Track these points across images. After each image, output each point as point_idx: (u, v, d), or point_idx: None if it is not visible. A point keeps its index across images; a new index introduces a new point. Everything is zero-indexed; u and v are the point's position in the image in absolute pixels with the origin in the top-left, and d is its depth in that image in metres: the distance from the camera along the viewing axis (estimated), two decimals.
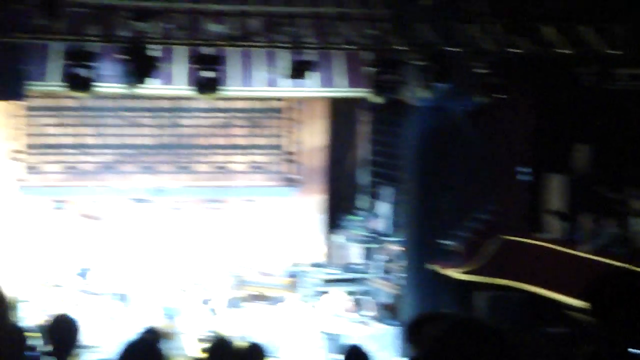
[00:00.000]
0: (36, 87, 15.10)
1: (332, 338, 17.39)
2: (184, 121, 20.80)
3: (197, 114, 20.81)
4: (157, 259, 20.15)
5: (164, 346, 3.41)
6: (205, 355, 5.54)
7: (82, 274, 18.69)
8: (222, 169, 21.07)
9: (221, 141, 21.02)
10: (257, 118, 21.14)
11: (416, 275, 17.60)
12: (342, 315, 17.61)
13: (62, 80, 13.28)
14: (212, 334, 16.67)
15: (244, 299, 18.63)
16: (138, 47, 13.07)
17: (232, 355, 5.22)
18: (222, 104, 20.67)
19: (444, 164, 16.80)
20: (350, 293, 18.71)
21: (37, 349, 5.88)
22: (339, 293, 17.76)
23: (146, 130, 20.58)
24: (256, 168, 21.26)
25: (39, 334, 5.84)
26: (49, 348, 5.47)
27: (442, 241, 16.80)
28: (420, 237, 17.62)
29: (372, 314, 18.60)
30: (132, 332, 17.00)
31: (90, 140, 20.35)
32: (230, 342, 5.78)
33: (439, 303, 16.81)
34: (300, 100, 20.87)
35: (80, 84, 13.27)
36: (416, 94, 15.37)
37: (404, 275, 18.50)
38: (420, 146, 17.12)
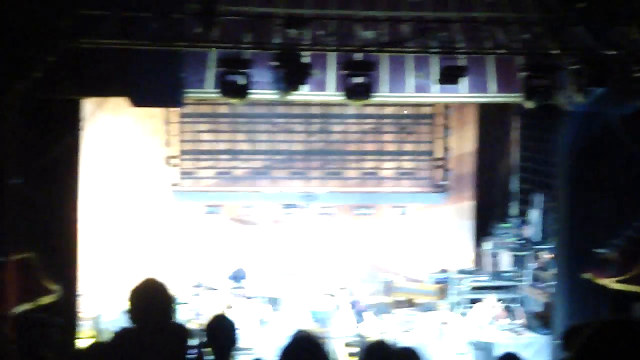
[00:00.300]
0: (193, 94, 15.50)
1: (483, 346, 17.19)
2: (334, 127, 21.00)
3: (346, 120, 20.98)
4: (306, 263, 20.40)
5: (323, 349, 3.45)
6: (359, 356, 5.57)
7: (235, 278, 19.06)
8: (371, 175, 21.15)
9: (370, 147, 21.11)
10: (407, 124, 21.14)
11: (567, 283, 17.17)
12: (493, 323, 17.37)
13: (217, 87, 13.58)
14: (360, 339, 16.75)
15: (393, 305, 18.60)
16: (291, 54, 13.24)
17: (390, 357, 5.22)
18: (371, 110, 20.79)
19: (598, 170, 16.34)
20: (500, 301, 18.43)
21: (198, 347, 6.04)
22: (491, 301, 17.51)
23: (297, 137, 20.86)
24: (405, 174, 21.24)
25: (199, 334, 5.99)
26: (209, 347, 5.60)
27: (596, 249, 16.33)
28: (572, 244, 17.18)
29: (522, 322, 18.30)
30: (283, 336, 17.30)
31: (242, 147, 20.78)
32: (388, 344, 5.79)
33: (592, 311, 16.39)
34: (450, 106, 20.77)
35: (234, 90, 13.53)
36: (570, 99, 15.00)
37: (554, 283, 18.11)
38: (574, 152, 16.70)
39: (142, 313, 4.66)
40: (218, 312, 15.41)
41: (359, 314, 17.41)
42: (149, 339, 4.73)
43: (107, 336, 16.25)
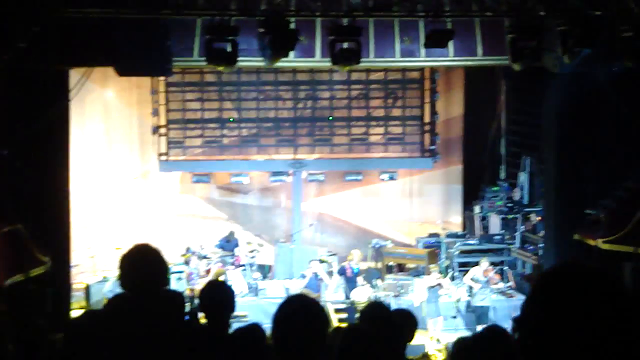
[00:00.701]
0: (180, 62, 15.44)
1: (473, 309, 17.30)
2: (322, 94, 20.96)
3: (334, 86, 20.94)
4: (297, 230, 20.45)
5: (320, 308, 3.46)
6: (358, 317, 5.60)
7: (225, 245, 19.09)
8: (360, 141, 21.15)
9: (358, 113, 21.09)
10: (394, 89, 21.12)
11: (556, 245, 17.26)
12: (486, 287, 17.46)
13: (205, 55, 13.50)
14: (351, 305, 16.82)
15: (383, 270, 18.67)
16: (278, 20, 13.16)
17: (385, 318, 5.24)
18: (358, 76, 20.75)
19: (586, 132, 16.36)
20: (492, 265, 18.51)
21: (192, 313, 6.04)
22: (485, 264, 17.58)
23: (285, 104, 20.82)
24: (393, 139, 21.26)
25: (191, 301, 6.01)
26: (204, 313, 5.60)
27: (585, 211, 16.41)
28: (561, 206, 17.26)
29: (512, 284, 18.41)
30: (274, 302, 17.36)
31: (230, 115, 20.72)
32: (385, 305, 5.81)
33: None
34: (437, 70, 20.74)
35: (222, 58, 13.46)
36: (557, 61, 15.00)
37: (543, 245, 18.22)
38: (562, 114, 16.72)
39: (133, 279, 4.62)
40: (213, 278, 15.53)
41: (351, 281, 17.45)
42: (143, 305, 4.70)
43: (99, 305, 16.32)
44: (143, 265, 4.62)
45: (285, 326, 3.32)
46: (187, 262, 18.00)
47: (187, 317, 5.91)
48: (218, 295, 5.55)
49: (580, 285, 2.15)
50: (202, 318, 5.59)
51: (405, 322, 5.79)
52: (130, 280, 4.66)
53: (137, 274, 4.61)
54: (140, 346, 4.61)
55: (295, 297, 3.78)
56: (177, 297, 5.25)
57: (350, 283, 17.44)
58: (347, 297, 17.23)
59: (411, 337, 5.77)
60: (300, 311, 3.36)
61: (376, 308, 5.51)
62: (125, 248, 4.89)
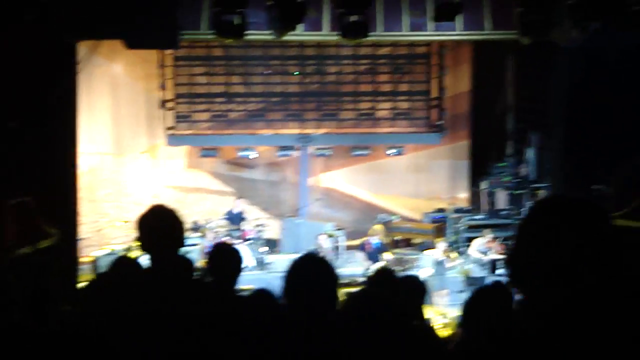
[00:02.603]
0: (189, 35, 15.40)
1: (481, 283, 17.33)
2: (329, 69, 20.92)
3: (341, 61, 20.89)
4: (303, 204, 20.48)
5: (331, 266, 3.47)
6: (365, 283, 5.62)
7: (232, 219, 19.10)
8: (367, 116, 21.13)
9: (366, 88, 21.06)
10: (402, 64, 21.07)
11: None
12: (489, 255, 17.49)
13: (213, 27, 13.48)
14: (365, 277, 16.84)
15: (390, 245, 18.69)
16: None
17: (395, 283, 5.26)
18: (366, 51, 20.70)
19: (595, 107, 16.31)
20: (496, 239, 18.53)
21: (203, 275, 6.06)
22: (489, 237, 17.60)
23: (292, 79, 20.79)
24: (401, 114, 21.23)
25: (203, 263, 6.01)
26: (211, 274, 5.61)
27: (593, 186, 16.38)
28: (569, 182, 17.23)
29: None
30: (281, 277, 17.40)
31: (237, 89, 20.71)
32: (393, 271, 5.83)
33: None
34: (445, 45, 20.68)
35: (230, 30, 13.48)
36: (566, 35, 14.93)
37: None
38: (571, 89, 16.66)
39: (151, 239, 4.61)
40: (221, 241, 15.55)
41: (372, 256, 17.38)
42: (152, 271, 4.69)
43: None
44: (160, 226, 4.61)
45: (297, 280, 3.33)
46: (203, 236, 18.00)
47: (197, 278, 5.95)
48: (225, 255, 5.57)
49: (567, 214, 2.19)
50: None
51: (414, 287, 5.80)
52: (148, 242, 4.64)
53: (154, 234, 4.59)
54: (152, 315, 4.60)
55: (307, 254, 3.79)
56: (184, 260, 5.23)
57: (371, 258, 17.40)
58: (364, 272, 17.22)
59: (421, 302, 5.78)
60: (311, 266, 3.37)
61: (383, 273, 5.53)
62: (134, 218, 4.88)
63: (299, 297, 3.31)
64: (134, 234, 4.74)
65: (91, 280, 5.80)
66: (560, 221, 2.17)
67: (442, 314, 16.16)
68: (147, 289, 4.52)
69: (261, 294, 4.88)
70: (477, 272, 17.41)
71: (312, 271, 3.35)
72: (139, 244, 4.67)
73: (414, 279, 6.09)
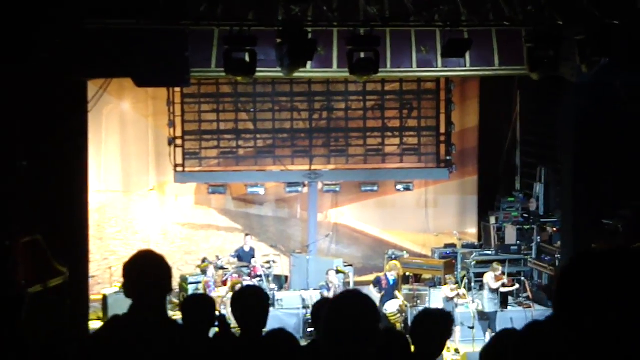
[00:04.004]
0: (199, 73, 15.48)
1: (491, 318, 17.28)
2: (337, 105, 20.97)
3: (349, 97, 20.95)
4: (312, 241, 20.44)
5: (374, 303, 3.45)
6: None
7: (240, 256, 19.07)
8: (375, 152, 21.15)
9: (374, 124, 21.09)
10: (410, 100, 21.13)
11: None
12: (500, 294, 17.44)
13: (224, 65, 13.53)
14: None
15: (401, 280, 18.61)
16: (296, 30, 13.22)
17: (431, 316, 5.31)
18: (374, 87, 20.76)
19: (603, 142, 16.34)
20: (504, 274, 18.48)
21: (221, 319, 6.05)
22: (499, 271, 17.53)
23: (300, 115, 20.84)
24: (409, 150, 21.25)
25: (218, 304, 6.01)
26: (236, 315, 5.61)
27: (603, 221, 16.37)
28: (577, 216, 17.23)
29: (529, 294, 18.36)
30: (292, 313, 17.35)
31: (246, 126, 20.75)
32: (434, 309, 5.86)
33: None
34: (453, 80, 20.75)
35: (240, 68, 13.51)
36: (575, 70, 14.99)
37: (560, 255, 18.19)
38: (579, 124, 16.70)
39: (137, 286, 4.53)
40: (229, 289, 15.50)
41: (387, 292, 17.31)
42: (132, 314, 4.60)
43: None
44: (146, 272, 4.54)
45: (340, 317, 3.29)
46: (204, 272, 17.99)
47: (216, 324, 5.94)
48: (249, 298, 5.55)
49: (607, 265, 2.18)
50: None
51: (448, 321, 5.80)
52: (134, 286, 4.59)
53: (140, 281, 4.53)
54: None
55: (351, 291, 3.74)
56: (207, 300, 5.18)
57: (386, 295, 17.34)
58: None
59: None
60: (355, 304, 3.33)
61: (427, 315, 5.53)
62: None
63: (342, 336, 3.25)
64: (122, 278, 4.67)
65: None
66: (603, 274, 2.17)
67: (454, 349, 16.11)
68: (123, 338, 4.46)
69: (280, 334, 4.86)
70: (490, 307, 17.35)
71: (354, 309, 3.30)
72: (124, 289, 4.61)
73: (442, 312, 6.08)
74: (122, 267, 4.60)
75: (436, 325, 5.45)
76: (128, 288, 4.55)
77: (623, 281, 2.15)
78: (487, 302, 17.39)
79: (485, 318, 17.41)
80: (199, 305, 5.72)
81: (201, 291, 17.24)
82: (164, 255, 4.62)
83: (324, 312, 3.30)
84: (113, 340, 4.51)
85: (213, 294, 16.66)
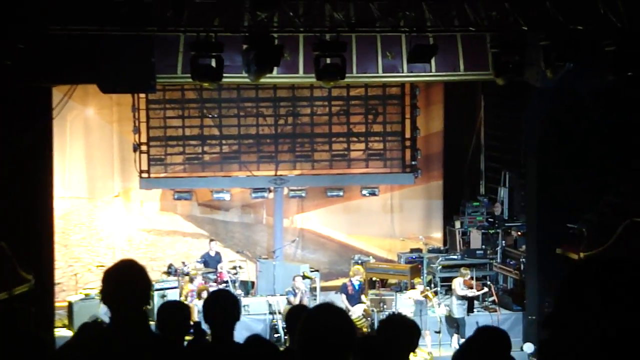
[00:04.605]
0: (164, 79, 15.42)
1: (459, 323, 17.37)
2: (303, 110, 20.96)
3: (315, 102, 20.95)
4: (277, 246, 20.41)
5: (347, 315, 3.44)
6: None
7: (206, 262, 18.98)
8: (341, 157, 21.17)
9: (339, 129, 21.11)
10: (375, 105, 21.17)
11: (538, 259, 17.39)
12: (468, 299, 17.53)
13: (190, 71, 13.47)
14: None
15: (366, 285, 18.65)
16: (263, 36, 13.20)
17: (400, 326, 5.30)
18: (339, 92, 20.78)
19: (568, 146, 16.50)
20: (472, 279, 18.57)
21: (197, 325, 6.02)
22: (467, 276, 17.61)
23: (265, 121, 20.80)
24: (374, 155, 21.29)
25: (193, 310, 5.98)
26: (208, 323, 5.58)
27: (567, 225, 16.52)
28: (542, 221, 17.39)
29: (494, 299, 18.46)
30: (258, 319, 17.29)
31: (211, 132, 20.68)
32: (403, 317, 5.85)
33: None
34: (417, 86, 20.82)
35: (207, 74, 13.45)
36: (540, 75, 15.10)
37: (525, 259, 18.32)
38: (544, 128, 16.86)
39: (115, 295, 4.51)
40: (217, 289, 15.38)
41: (353, 298, 17.34)
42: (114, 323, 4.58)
43: (79, 324, 16.19)
44: (126, 282, 4.52)
45: (314, 332, 3.29)
46: (191, 280, 17.74)
47: (191, 331, 5.91)
48: (221, 303, 5.52)
49: (609, 275, 2.19)
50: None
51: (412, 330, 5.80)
52: (112, 296, 4.56)
53: (119, 290, 4.51)
54: None
55: (323, 305, 3.74)
56: (180, 308, 5.14)
57: (353, 300, 17.37)
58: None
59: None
60: (329, 317, 3.33)
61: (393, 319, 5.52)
62: (108, 265, 4.83)
63: (316, 348, 3.25)
64: (100, 285, 4.66)
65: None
66: (604, 284, 2.18)
67: (428, 353, 16.18)
68: (105, 347, 4.44)
69: (257, 341, 4.84)
70: (459, 312, 17.41)
71: (330, 323, 3.30)
72: (102, 296, 4.61)
73: (410, 322, 6.08)
74: (103, 274, 4.59)
75: (404, 334, 5.45)
76: (105, 295, 4.55)
77: (626, 290, 2.16)
78: (455, 308, 17.46)
79: (455, 324, 17.49)
80: (174, 312, 5.69)
81: (184, 298, 17.18)
82: (144, 267, 4.60)
83: (300, 324, 3.30)
84: (89, 349, 4.49)
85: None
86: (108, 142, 20.38)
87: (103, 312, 16.01)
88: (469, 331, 16.42)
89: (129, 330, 4.40)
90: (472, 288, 17.57)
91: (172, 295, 17.16)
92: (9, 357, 6.04)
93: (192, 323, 6.02)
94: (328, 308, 3.39)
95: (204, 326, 5.60)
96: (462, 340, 16.73)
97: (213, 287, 17.87)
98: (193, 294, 17.26)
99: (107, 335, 4.57)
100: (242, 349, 4.88)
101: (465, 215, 20.56)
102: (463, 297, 17.49)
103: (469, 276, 17.67)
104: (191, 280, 17.64)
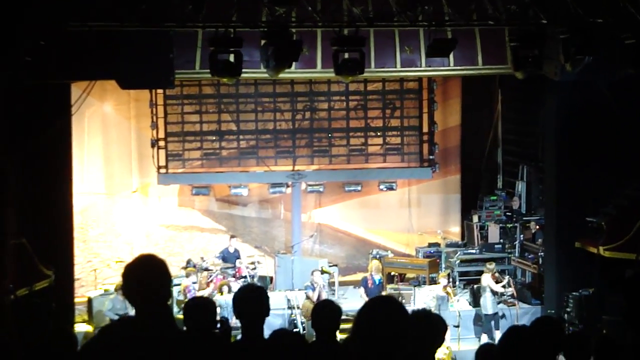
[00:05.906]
0: (183, 74, 15.44)
1: (495, 318, 17.32)
2: (320, 105, 20.94)
3: (332, 97, 20.92)
4: (297, 241, 20.43)
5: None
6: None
7: (225, 258, 19.03)
8: (358, 152, 21.13)
9: (357, 124, 21.07)
10: (392, 100, 21.12)
11: (557, 253, 17.35)
12: (495, 294, 17.47)
13: (210, 67, 13.48)
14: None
15: (385, 280, 18.63)
16: (282, 31, 13.19)
17: (427, 321, 5.29)
18: (356, 87, 20.74)
19: (586, 140, 16.44)
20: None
21: (223, 320, 6.04)
22: (494, 271, 17.54)
23: (283, 116, 20.79)
24: (392, 150, 21.25)
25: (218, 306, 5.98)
26: (239, 318, 5.57)
27: (586, 218, 16.47)
28: (560, 214, 17.34)
29: (512, 292, 18.38)
30: (277, 314, 17.31)
31: (229, 127, 20.68)
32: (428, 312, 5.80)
33: (582, 280, 16.56)
34: (435, 80, 20.76)
35: (225, 69, 13.46)
36: (559, 69, 15.04)
37: (543, 253, 18.26)
38: (562, 122, 16.80)
39: (136, 290, 4.49)
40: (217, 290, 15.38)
41: (372, 292, 17.30)
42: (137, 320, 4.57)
43: (100, 320, 16.25)
44: (147, 277, 4.51)
45: (371, 321, 3.30)
46: (187, 275, 17.88)
47: (218, 326, 5.92)
48: (250, 299, 5.51)
49: None
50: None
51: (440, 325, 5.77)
52: (133, 290, 4.55)
53: (140, 285, 4.50)
54: None
55: (380, 297, 3.75)
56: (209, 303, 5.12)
57: (371, 295, 17.32)
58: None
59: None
60: (386, 308, 3.34)
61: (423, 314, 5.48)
62: (127, 260, 4.81)
63: (374, 338, 3.26)
64: (121, 280, 4.65)
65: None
66: None
67: (447, 347, 16.15)
68: (130, 344, 4.43)
69: (284, 334, 4.85)
70: (493, 308, 17.31)
71: (387, 313, 3.31)
72: (123, 292, 4.60)
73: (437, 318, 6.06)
74: (123, 269, 4.58)
75: (430, 330, 5.43)
76: (127, 291, 4.54)
77: None
78: (490, 304, 17.31)
79: (481, 321, 17.42)
80: (202, 308, 5.70)
81: (181, 295, 17.18)
82: (165, 261, 4.59)
83: (357, 317, 3.32)
84: (115, 346, 4.49)
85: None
86: (126, 137, 20.43)
87: (108, 309, 16.08)
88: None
89: (154, 325, 4.40)
90: (498, 282, 17.51)
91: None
92: (41, 351, 6.08)
93: (218, 319, 6.04)
94: (383, 301, 3.40)
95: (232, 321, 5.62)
96: (497, 333, 16.67)
97: (232, 282, 17.95)
98: (189, 289, 17.23)
99: (132, 331, 4.56)
100: (271, 343, 4.89)
101: (483, 210, 20.51)
102: (495, 293, 17.42)
103: (495, 270, 17.62)
104: (187, 276, 17.65)
